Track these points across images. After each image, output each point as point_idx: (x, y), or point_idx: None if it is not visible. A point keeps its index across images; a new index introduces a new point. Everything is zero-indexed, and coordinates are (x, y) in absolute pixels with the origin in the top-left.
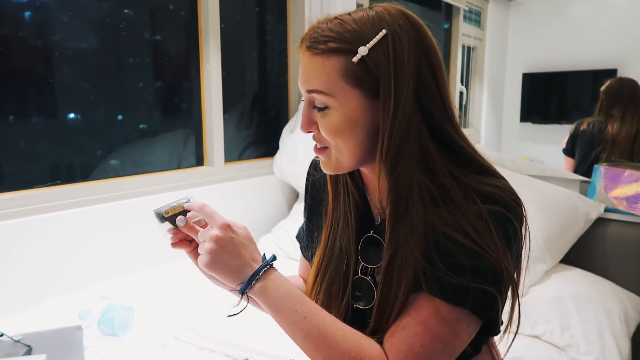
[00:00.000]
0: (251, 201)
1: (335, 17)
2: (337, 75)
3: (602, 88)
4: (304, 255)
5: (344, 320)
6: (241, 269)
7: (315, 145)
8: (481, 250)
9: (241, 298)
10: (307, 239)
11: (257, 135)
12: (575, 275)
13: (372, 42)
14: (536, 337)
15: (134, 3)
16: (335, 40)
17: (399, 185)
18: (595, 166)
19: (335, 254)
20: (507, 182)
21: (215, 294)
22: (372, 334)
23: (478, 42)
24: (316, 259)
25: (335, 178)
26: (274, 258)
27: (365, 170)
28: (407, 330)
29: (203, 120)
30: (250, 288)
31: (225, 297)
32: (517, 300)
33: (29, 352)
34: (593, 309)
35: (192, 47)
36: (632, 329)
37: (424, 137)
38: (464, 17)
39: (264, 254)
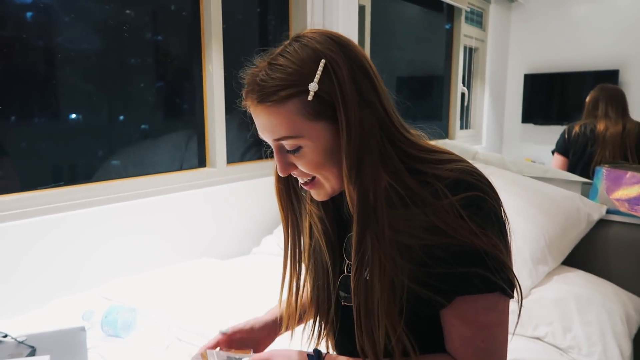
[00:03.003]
0: (253, 202)
1: (269, 63)
2: (297, 117)
3: (588, 97)
4: None
5: (335, 319)
6: None
7: (300, 182)
8: (463, 243)
9: None
10: None
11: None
12: (577, 277)
13: (317, 76)
14: (538, 338)
15: (135, 4)
16: (283, 88)
17: (364, 194)
18: (597, 168)
19: (303, 266)
20: (467, 161)
21: (217, 295)
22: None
23: (480, 43)
24: (284, 274)
25: (289, 204)
26: (318, 353)
27: None
28: (463, 338)
29: (205, 121)
30: None
31: (228, 298)
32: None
33: (32, 352)
34: (595, 311)
35: (195, 47)
36: (634, 330)
37: (382, 143)
38: (466, 18)
39: (307, 354)
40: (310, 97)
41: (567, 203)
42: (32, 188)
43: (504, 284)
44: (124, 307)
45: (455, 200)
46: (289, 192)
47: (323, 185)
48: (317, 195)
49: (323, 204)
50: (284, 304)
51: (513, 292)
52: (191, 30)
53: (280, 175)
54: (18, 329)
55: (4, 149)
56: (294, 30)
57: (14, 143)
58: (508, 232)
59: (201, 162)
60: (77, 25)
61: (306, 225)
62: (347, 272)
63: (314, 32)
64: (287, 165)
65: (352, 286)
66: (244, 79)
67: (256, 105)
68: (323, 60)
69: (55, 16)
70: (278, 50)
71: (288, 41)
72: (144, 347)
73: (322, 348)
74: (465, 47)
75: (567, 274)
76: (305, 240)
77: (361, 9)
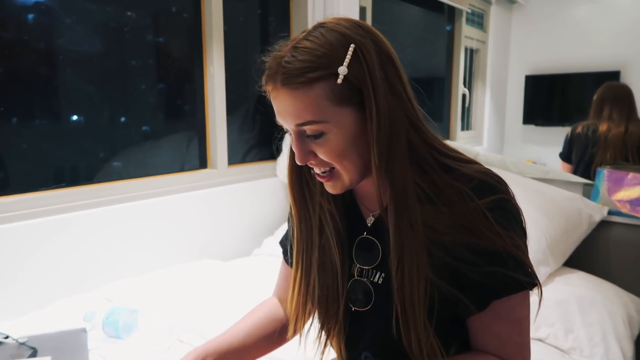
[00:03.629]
0: (254, 203)
1: (294, 46)
2: (324, 101)
3: (595, 95)
4: (287, 261)
5: (344, 324)
6: None
7: (317, 173)
8: (489, 245)
9: None
10: (290, 246)
11: (260, 137)
12: (579, 278)
13: (347, 59)
14: (540, 340)
15: (136, 6)
16: (311, 70)
17: (397, 183)
18: (599, 169)
19: (313, 264)
20: (481, 164)
21: (218, 296)
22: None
23: (481, 45)
24: (295, 273)
25: (302, 200)
26: None
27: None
28: (501, 337)
29: (207, 122)
30: None
31: (229, 299)
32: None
33: (34, 354)
34: (596, 312)
35: (196, 49)
36: (636, 331)
37: (410, 135)
38: (467, 19)
39: None
40: (339, 80)
41: (568, 204)
42: (34, 189)
43: (529, 279)
44: (125, 308)
45: (482, 203)
46: (302, 185)
47: (341, 176)
48: (333, 187)
49: (334, 199)
50: (293, 305)
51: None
52: (192, 32)
53: (299, 163)
54: (19, 330)
55: (6, 150)
56: (294, 32)
57: (15, 144)
58: (526, 232)
59: (202, 164)
60: (78, 27)
61: (316, 222)
62: (357, 276)
63: (339, 19)
64: (307, 153)
65: (395, 283)
66: (265, 62)
67: (280, 88)
68: (353, 45)
69: (57, 18)
70: (302, 35)
71: (311, 28)
72: (145, 349)
73: (332, 354)
74: (466, 49)
75: (569, 275)
76: (315, 238)
77: (362, 10)
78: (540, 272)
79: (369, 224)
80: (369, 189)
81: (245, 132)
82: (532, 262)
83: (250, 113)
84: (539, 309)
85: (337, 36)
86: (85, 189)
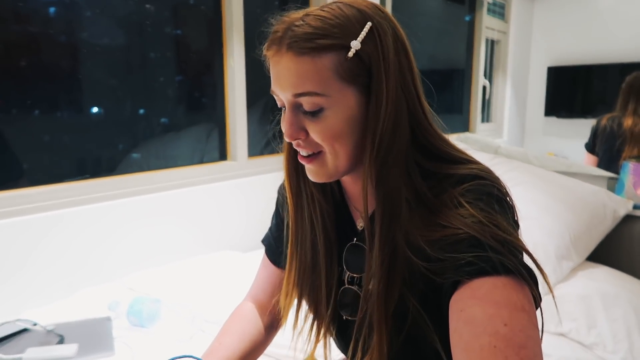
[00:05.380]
0: (274, 196)
1: (307, 14)
2: (331, 73)
3: (623, 83)
4: (271, 259)
5: (333, 332)
6: None
7: (300, 154)
8: (458, 231)
9: None
10: (277, 246)
11: (280, 129)
12: (602, 273)
13: (362, 35)
14: (562, 334)
15: None
16: (323, 37)
17: (389, 182)
18: (624, 162)
19: (307, 266)
20: (483, 165)
21: (238, 287)
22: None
23: (502, 35)
24: (287, 273)
25: (297, 190)
26: None
27: (345, 179)
28: (476, 322)
29: (227, 114)
30: None
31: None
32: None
33: (61, 341)
34: (621, 308)
35: (216, 42)
36: None
37: (414, 131)
38: (488, 9)
39: None
40: (350, 54)
41: (592, 198)
42: (59, 180)
43: (517, 267)
44: (148, 298)
45: (458, 191)
46: (298, 175)
47: (327, 162)
48: (316, 174)
49: (325, 195)
50: (285, 294)
51: (533, 283)
52: (212, 24)
53: (287, 139)
54: (46, 318)
55: (29, 143)
56: None
57: (37, 136)
58: (517, 221)
59: (222, 156)
60: (100, 20)
61: (309, 213)
62: (348, 284)
63: None
64: (299, 129)
65: (373, 293)
66: (269, 25)
67: (284, 53)
68: (370, 23)
69: (78, 11)
70: (316, 7)
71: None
72: (169, 338)
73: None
74: (487, 40)
75: (592, 270)
76: (307, 235)
77: (382, 1)
78: (563, 266)
79: (358, 226)
80: (359, 190)
81: (265, 124)
82: (555, 257)
83: (270, 105)
84: (555, 305)
85: (355, 12)
86: (108, 181)
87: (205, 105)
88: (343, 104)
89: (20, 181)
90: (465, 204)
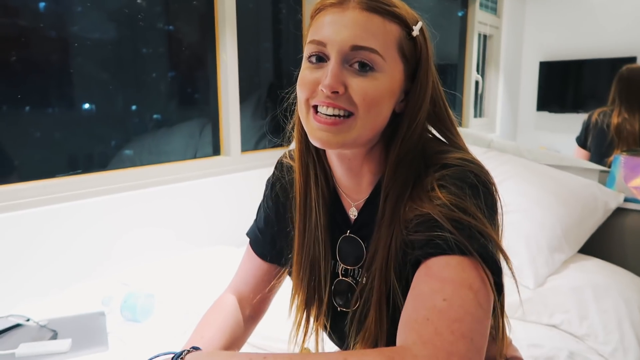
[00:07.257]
0: None
1: None
2: (394, 42)
3: (615, 79)
4: (257, 252)
5: (329, 324)
6: None
7: (321, 116)
8: (426, 213)
9: None
10: (264, 239)
11: (273, 124)
12: (594, 265)
13: (419, 25)
14: (554, 326)
15: None
16: (396, 7)
17: (407, 168)
18: (615, 155)
19: (310, 258)
20: (471, 154)
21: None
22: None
23: (494, 30)
24: (296, 266)
25: (306, 170)
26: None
27: (348, 157)
28: (420, 296)
29: (220, 109)
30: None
31: None
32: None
33: (54, 336)
34: (612, 299)
35: (208, 36)
36: None
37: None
38: (480, 4)
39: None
40: (414, 33)
41: (584, 191)
42: (50, 176)
43: (472, 249)
44: (142, 292)
45: (436, 176)
46: (309, 154)
47: (352, 128)
48: (333, 137)
49: (327, 180)
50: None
51: (498, 272)
52: (204, 19)
53: (325, 90)
54: (39, 313)
55: (20, 138)
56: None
57: (29, 132)
58: (497, 209)
59: (215, 151)
60: (91, 14)
61: (313, 197)
62: (342, 276)
63: None
64: (340, 81)
65: (368, 281)
66: None
67: (353, 7)
68: (421, 22)
69: (68, 5)
70: None
71: None
72: (162, 332)
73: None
74: (479, 34)
75: (584, 262)
76: (312, 225)
77: None
78: (555, 258)
79: (351, 216)
80: (352, 181)
81: (258, 118)
82: (547, 249)
83: (262, 100)
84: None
85: (410, 10)
86: (100, 176)
87: (198, 100)
88: (392, 75)
89: (10, 177)
90: (437, 188)
